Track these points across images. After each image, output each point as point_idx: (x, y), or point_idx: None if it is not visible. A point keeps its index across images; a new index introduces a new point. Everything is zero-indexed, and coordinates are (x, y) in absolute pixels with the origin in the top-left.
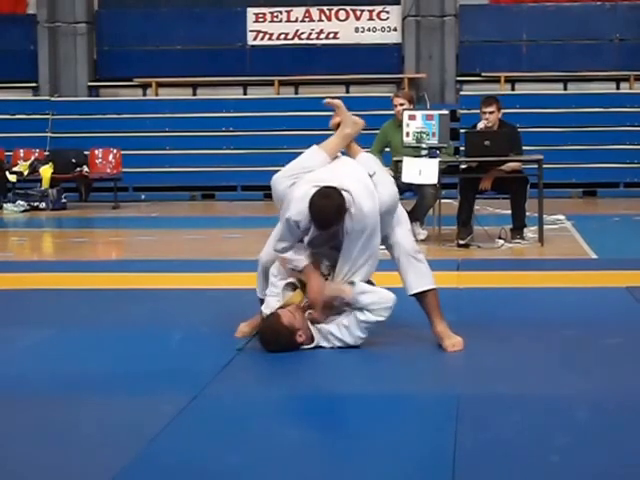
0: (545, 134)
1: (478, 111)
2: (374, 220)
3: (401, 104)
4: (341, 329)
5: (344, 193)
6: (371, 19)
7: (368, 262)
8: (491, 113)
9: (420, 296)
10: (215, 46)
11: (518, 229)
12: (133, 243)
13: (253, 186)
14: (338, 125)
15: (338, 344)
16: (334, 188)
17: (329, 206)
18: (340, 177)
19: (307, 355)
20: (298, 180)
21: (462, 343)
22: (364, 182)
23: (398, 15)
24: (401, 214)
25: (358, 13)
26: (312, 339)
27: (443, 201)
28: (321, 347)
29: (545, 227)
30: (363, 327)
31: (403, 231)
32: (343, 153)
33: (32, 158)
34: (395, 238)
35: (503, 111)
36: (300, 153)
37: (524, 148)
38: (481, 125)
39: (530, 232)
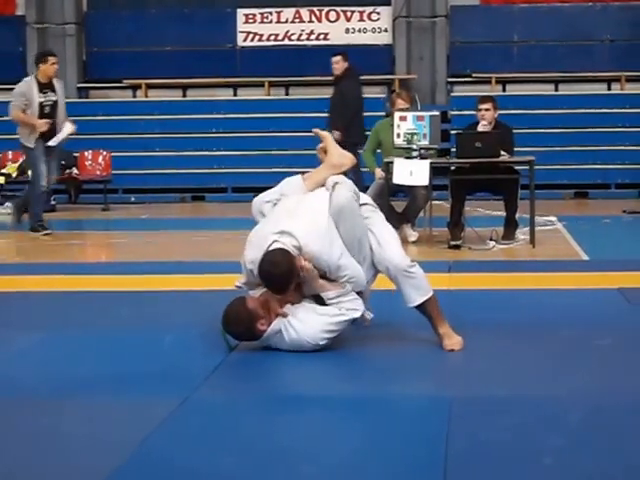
0: (536, 135)
1: (469, 112)
2: (329, 260)
3: (407, 108)
4: (305, 324)
5: (293, 250)
6: (362, 20)
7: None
8: (487, 110)
9: (419, 306)
10: (205, 47)
11: (509, 230)
12: (123, 245)
13: (243, 188)
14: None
15: (292, 335)
16: (284, 251)
17: (277, 274)
18: (297, 222)
19: (299, 356)
20: (273, 204)
21: (461, 343)
22: (320, 228)
23: (389, 16)
24: (386, 230)
25: (348, 14)
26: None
27: (434, 202)
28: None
29: (537, 228)
30: (327, 332)
31: (391, 248)
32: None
33: (20, 160)
34: (384, 258)
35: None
36: (291, 154)
37: (516, 149)
38: (483, 124)
39: (521, 233)
